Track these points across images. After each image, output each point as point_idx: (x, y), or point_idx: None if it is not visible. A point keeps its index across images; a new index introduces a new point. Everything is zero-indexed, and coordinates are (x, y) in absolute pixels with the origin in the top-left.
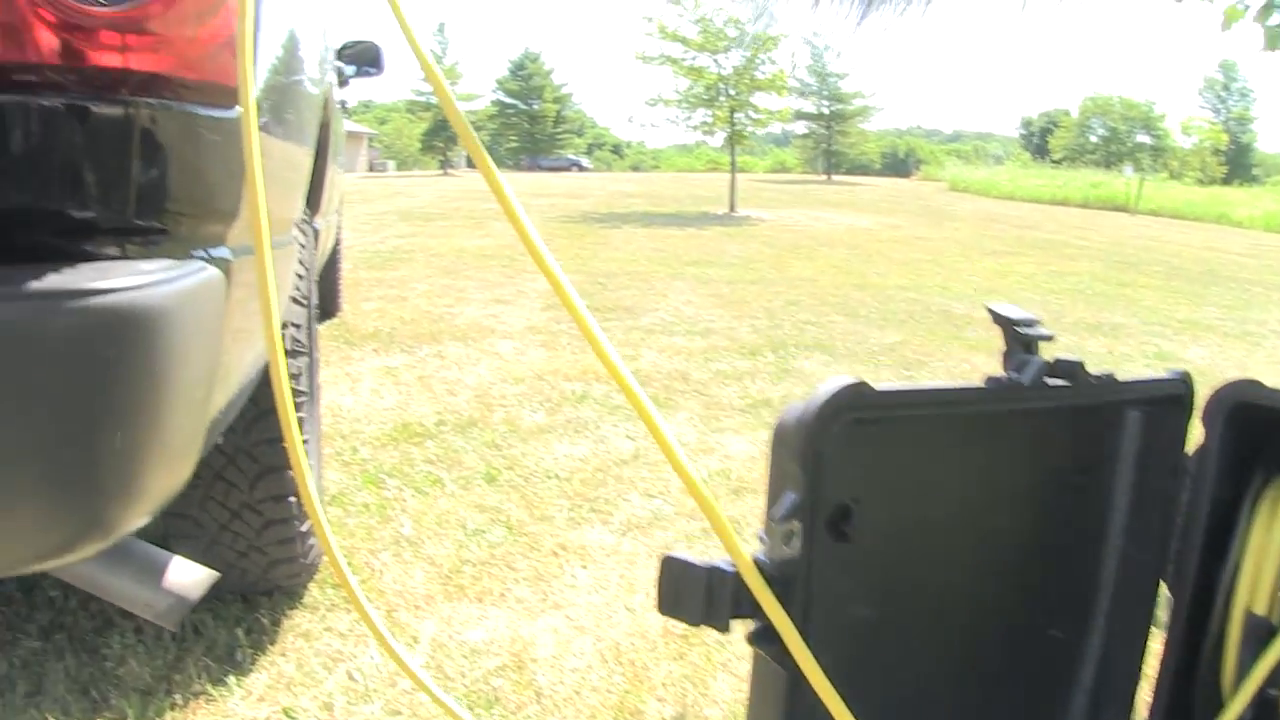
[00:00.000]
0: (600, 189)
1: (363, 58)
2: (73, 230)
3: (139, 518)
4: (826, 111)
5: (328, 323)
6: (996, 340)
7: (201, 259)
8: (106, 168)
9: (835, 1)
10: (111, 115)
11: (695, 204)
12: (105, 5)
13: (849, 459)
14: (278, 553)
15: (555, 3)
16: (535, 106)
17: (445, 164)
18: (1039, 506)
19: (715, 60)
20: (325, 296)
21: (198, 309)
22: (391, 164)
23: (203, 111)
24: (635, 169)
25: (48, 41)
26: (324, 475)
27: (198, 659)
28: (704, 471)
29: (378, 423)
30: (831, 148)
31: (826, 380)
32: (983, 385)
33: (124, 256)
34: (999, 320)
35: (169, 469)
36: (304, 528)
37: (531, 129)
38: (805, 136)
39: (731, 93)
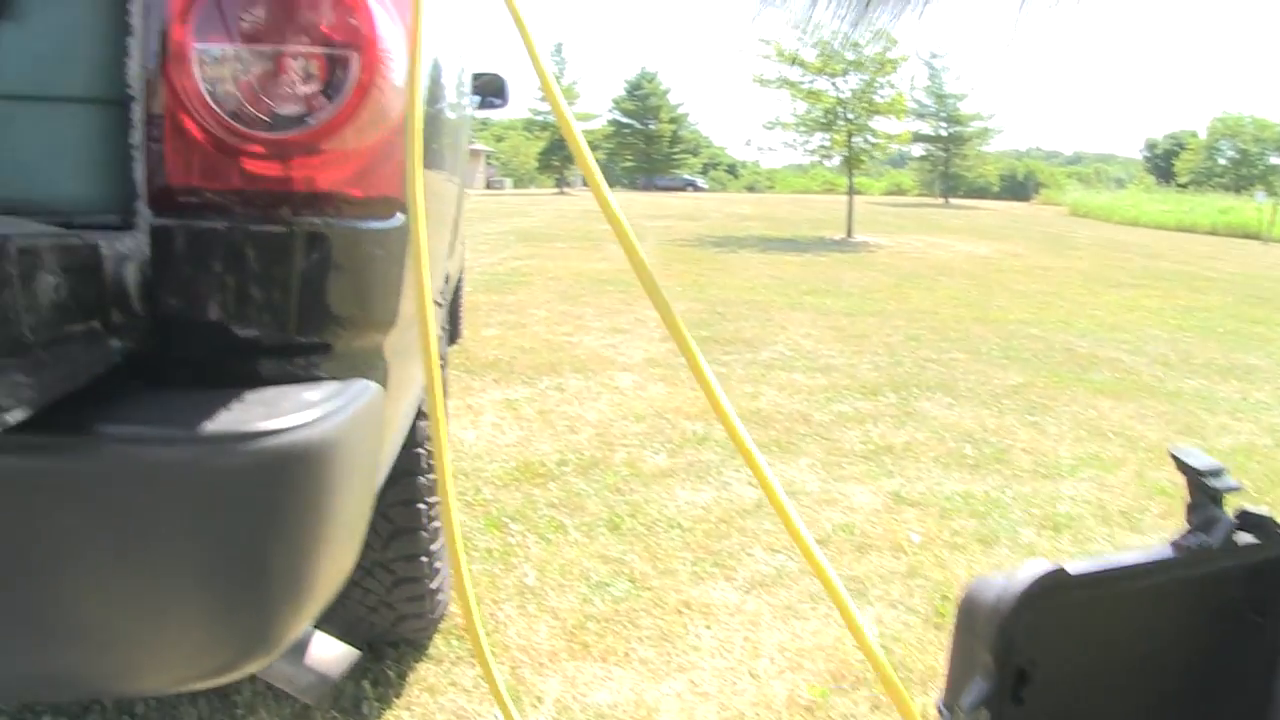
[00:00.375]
0: (716, 211)
1: (488, 89)
2: (237, 349)
3: (307, 623)
4: (944, 133)
5: (449, 349)
6: (1123, 383)
7: (363, 375)
8: (271, 288)
9: (828, 7)
10: (276, 235)
11: (812, 228)
12: (273, 130)
13: (1032, 631)
14: (407, 609)
15: (673, 23)
16: (651, 126)
17: (561, 182)
18: (1212, 648)
19: (833, 84)
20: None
21: (362, 431)
22: (509, 181)
23: (364, 225)
24: (750, 189)
25: (215, 164)
26: None
27: (325, 711)
28: (828, 526)
29: (500, 460)
30: (949, 170)
31: (1024, 565)
32: (1172, 554)
33: (288, 375)
34: (1183, 468)
35: (336, 574)
36: (433, 585)
37: (647, 148)
38: (923, 159)
39: (850, 116)
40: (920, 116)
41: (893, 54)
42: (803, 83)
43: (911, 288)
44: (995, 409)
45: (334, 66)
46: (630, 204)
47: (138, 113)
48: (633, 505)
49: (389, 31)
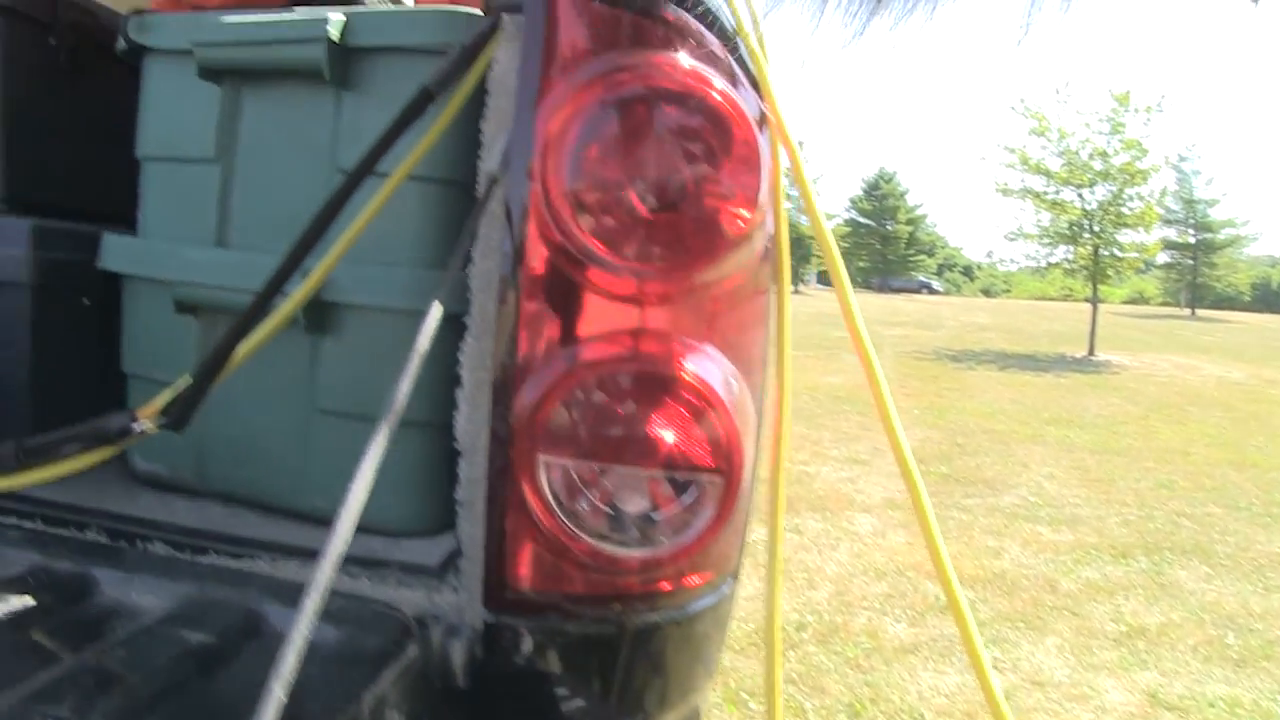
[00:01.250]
0: (952, 319)
1: None
2: None
3: None
4: (1193, 240)
5: None
6: None
7: None
8: (599, 678)
9: (839, 7)
10: (608, 634)
11: (1051, 342)
12: (622, 548)
13: None
14: None
15: (914, 124)
16: (888, 227)
17: (794, 280)
18: None
19: (1079, 194)
20: None
21: None
22: None
23: (697, 606)
24: (986, 292)
25: (555, 572)
26: None
27: None
28: None
29: (738, 618)
30: (1196, 279)
31: None
32: None
33: None
34: None
35: None
36: None
37: (883, 249)
38: (1168, 266)
39: (1095, 229)
40: (1167, 223)
41: (1143, 164)
42: (1047, 193)
43: (1160, 420)
44: (1259, 584)
45: (693, 492)
46: (864, 306)
47: (466, 470)
48: (874, 688)
49: (752, 446)
